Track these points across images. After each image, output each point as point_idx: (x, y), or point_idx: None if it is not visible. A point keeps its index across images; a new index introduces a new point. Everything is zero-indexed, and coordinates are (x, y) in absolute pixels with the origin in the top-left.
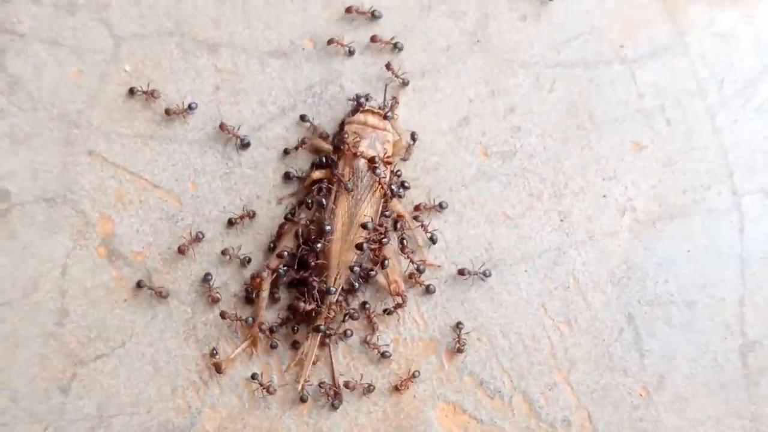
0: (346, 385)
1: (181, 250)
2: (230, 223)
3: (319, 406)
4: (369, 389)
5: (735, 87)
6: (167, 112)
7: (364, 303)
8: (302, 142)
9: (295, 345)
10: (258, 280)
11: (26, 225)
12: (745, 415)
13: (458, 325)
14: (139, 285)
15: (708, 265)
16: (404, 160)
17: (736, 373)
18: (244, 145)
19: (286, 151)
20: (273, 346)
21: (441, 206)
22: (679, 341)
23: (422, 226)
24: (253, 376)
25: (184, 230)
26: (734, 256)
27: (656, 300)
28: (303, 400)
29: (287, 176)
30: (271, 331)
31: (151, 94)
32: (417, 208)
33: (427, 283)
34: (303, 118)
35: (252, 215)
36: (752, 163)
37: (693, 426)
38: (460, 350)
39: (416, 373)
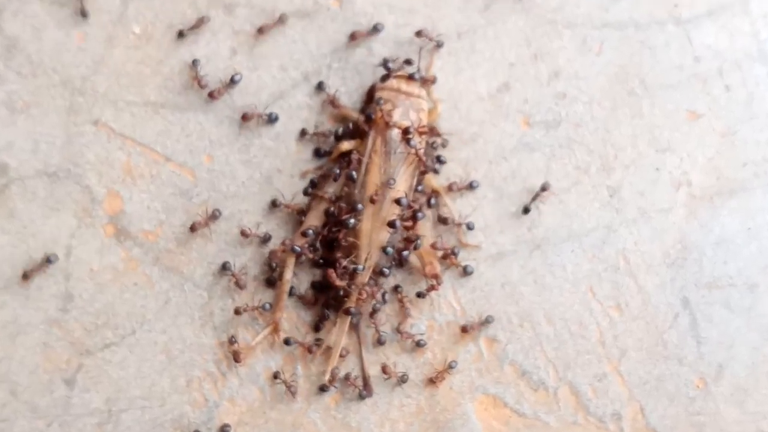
0: (384, 369)
1: (193, 228)
2: (192, 229)
3: (347, 399)
4: (402, 379)
5: None
6: (211, 95)
7: (396, 286)
8: (323, 134)
9: (318, 328)
10: (281, 249)
11: (27, 202)
12: None
13: (487, 319)
14: (224, 267)
15: None
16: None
17: None
18: (272, 120)
19: (303, 133)
20: (287, 342)
21: (471, 185)
22: (739, 327)
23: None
24: (276, 375)
25: (199, 207)
26: None
27: (714, 283)
28: (323, 389)
29: (318, 153)
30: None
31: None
32: (449, 188)
33: (464, 263)
34: (320, 86)
35: (217, 215)
36: None
37: (755, 420)
38: (464, 329)
39: (453, 364)
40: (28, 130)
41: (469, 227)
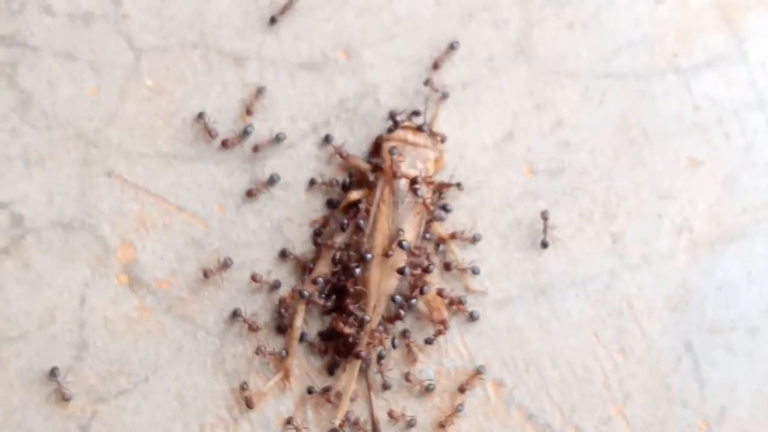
0: (390, 414)
1: (206, 275)
2: (205, 275)
3: None
4: (410, 423)
5: None
6: (224, 144)
7: (404, 331)
8: (330, 183)
9: (332, 372)
10: (290, 297)
11: (42, 252)
12: None
13: (479, 369)
14: (235, 314)
15: None
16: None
17: None
18: (247, 133)
19: (312, 182)
20: (309, 392)
21: (474, 239)
22: (741, 370)
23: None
24: (288, 421)
25: (211, 256)
26: None
27: (716, 327)
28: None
29: (330, 203)
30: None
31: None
32: (452, 236)
33: (470, 310)
34: (327, 138)
35: (229, 264)
36: None
37: None
38: (461, 389)
39: (460, 407)
40: (42, 182)
41: (474, 272)
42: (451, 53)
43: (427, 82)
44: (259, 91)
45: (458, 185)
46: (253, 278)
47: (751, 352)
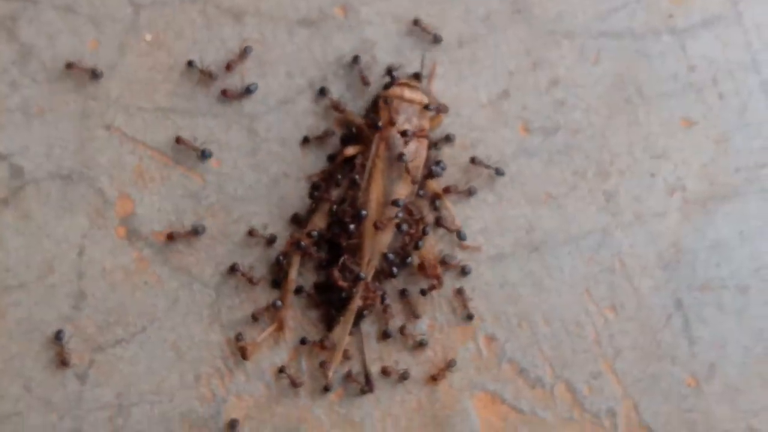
0: (384, 371)
1: (171, 237)
2: (170, 237)
3: (350, 395)
4: (404, 376)
5: None
6: (224, 93)
7: (403, 290)
8: (325, 134)
9: (330, 327)
10: (287, 247)
11: (41, 204)
12: None
13: (459, 291)
14: (233, 268)
15: (762, 247)
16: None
17: None
18: (205, 156)
19: (305, 140)
20: (303, 342)
21: (470, 192)
22: (730, 328)
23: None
24: (281, 370)
25: (207, 209)
26: None
27: (707, 285)
28: (327, 389)
29: (331, 158)
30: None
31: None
32: (446, 190)
33: (462, 263)
34: (322, 91)
35: (200, 231)
36: None
37: (745, 417)
38: (470, 316)
39: (453, 362)
40: (42, 135)
41: (461, 237)
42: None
43: (416, 23)
44: (245, 51)
45: (447, 137)
46: (251, 233)
47: (740, 310)
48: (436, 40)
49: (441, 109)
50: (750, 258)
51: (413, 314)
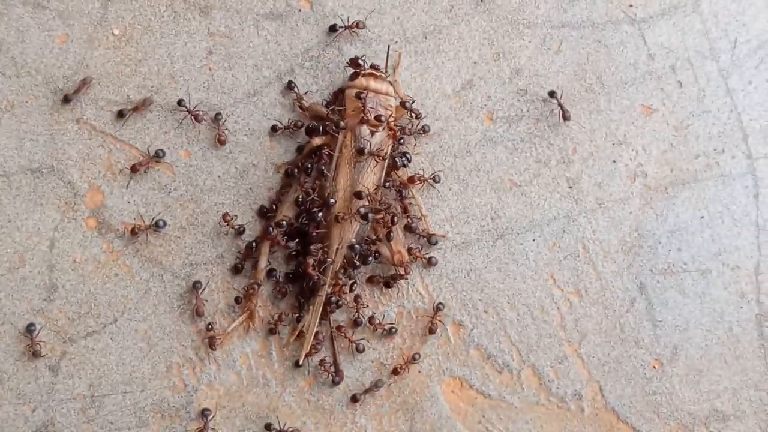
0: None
1: (133, 232)
2: (132, 232)
3: (320, 383)
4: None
5: (748, 47)
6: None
7: (370, 278)
8: (294, 124)
9: (299, 318)
10: (259, 238)
11: (11, 197)
12: (763, 387)
13: (438, 306)
14: (194, 286)
15: (722, 232)
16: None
17: (753, 343)
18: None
19: (274, 129)
20: (272, 332)
21: (435, 180)
22: (692, 311)
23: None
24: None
25: (177, 201)
26: (749, 223)
27: (669, 269)
28: (298, 364)
29: (300, 149)
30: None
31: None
32: (411, 180)
33: (428, 255)
34: (289, 85)
35: (161, 225)
36: (767, 126)
37: (708, 398)
38: (431, 330)
39: (416, 356)
40: (12, 128)
41: (436, 180)
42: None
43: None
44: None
45: (423, 128)
46: (224, 217)
47: (702, 293)
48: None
49: (407, 104)
50: (710, 242)
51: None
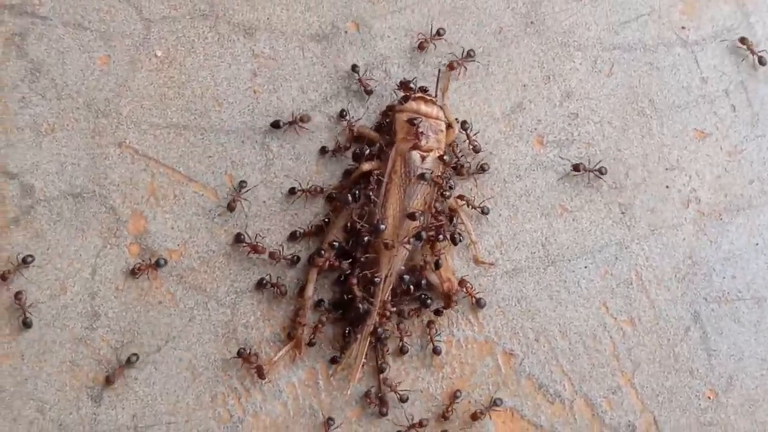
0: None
1: (134, 272)
2: (133, 272)
3: (368, 413)
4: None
5: None
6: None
7: (429, 322)
8: (342, 147)
9: (343, 349)
10: (315, 263)
11: (52, 222)
12: None
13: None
14: (261, 283)
15: None
16: (460, 173)
17: None
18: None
19: (322, 151)
20: (311, 344)
21: (483, 211)
22: (748, 340)
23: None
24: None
25: (221, 226)
26: None
27: (723, 297)
28: (345, 395)
29: (347, 174)
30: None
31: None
32: (460, 197)
33: (478, 295)
34: (342, 114)
35: (163, 264)
36: None
37: (764, 429)
38: (445, 417)
39: (458, 393)
40: (53, 152)
41: (484, 212)
42: (437, 38)
43: (439, 33)
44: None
45: (482, 167)
46: (272, 256)
47: (757, 321)
48: (471, 55)
49: (462, 126)
50: (765, 269)
51: (437, 352)
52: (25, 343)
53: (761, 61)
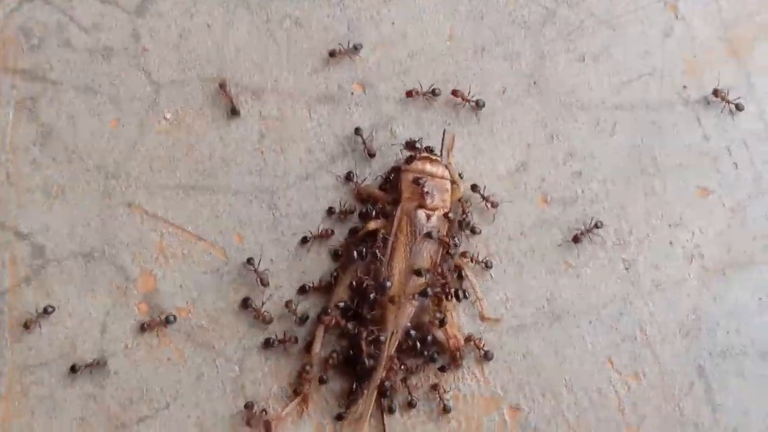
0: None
1: (144, 328)
2: (143, 329)
3: None
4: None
5: None
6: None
7: (434, 385)
8: (349, 210)
9: (350, 403)
10: (327, 320)
11: (63, 282)
12: None
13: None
14: (268, 343)
15: None
16: (474, 232)
17: None
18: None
19: (330, 211)
20: (323, 381)
21: (487, 265)
22: (752, 395)
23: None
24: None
25: (229, 285)
26: None
27: (728, 351)
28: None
29: (353, 232)
30: (322, 380)
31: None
32: (463, 254)
33: (486, 348)
34: (349, 176)
35: (171, 321)
36: None
37: None
38: (446, 409)
39: None
40: (63, 214)
41: (488, 266)
42: (430, 96)
43: (455, 93)
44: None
45: (473, 229)
46: (287, 305)
47: (762, 376)
48: (479, 105)
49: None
50: None
51: (446, 409)
52: (36, 400)
53: (738, 107)
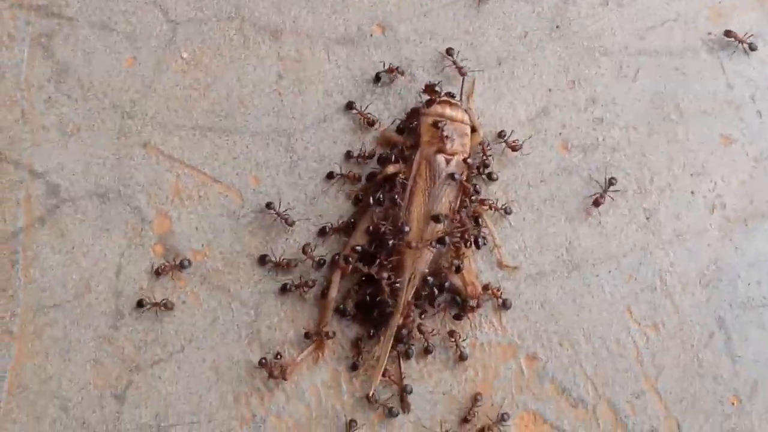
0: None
1: (158, 272)
2: (157, 273)
3: (391, 415)
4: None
5: None
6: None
7: (451, 331)
8: (367, 155)
9: (359, 350)
10: (338, 265)
11: (77, 222)
12: None
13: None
14: (284, 288)
15: None
16: (491, 178)
17: None
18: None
19: (348, 155)
20: (329, 336)
21: (506, 211)
22: None
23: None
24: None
25: (245, 227)
26: None
27: (748, 303)
28: (370, 401)
29: (371, 177)
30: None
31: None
32: (482, 202)
33: (504, 297)
34: (350, 105)
35: (187, 265)
36: None
37: None
38: (465, 420)
39: (479, 397)
40: (79, 153)
41: (507, 212)
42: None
43: (448, 51)
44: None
45: (490, 175)
46: (303, 249)
47: None
48: (461, 73)
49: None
50: None
51: (463, 357)
52: (50, 342)
53: (752, 47)
